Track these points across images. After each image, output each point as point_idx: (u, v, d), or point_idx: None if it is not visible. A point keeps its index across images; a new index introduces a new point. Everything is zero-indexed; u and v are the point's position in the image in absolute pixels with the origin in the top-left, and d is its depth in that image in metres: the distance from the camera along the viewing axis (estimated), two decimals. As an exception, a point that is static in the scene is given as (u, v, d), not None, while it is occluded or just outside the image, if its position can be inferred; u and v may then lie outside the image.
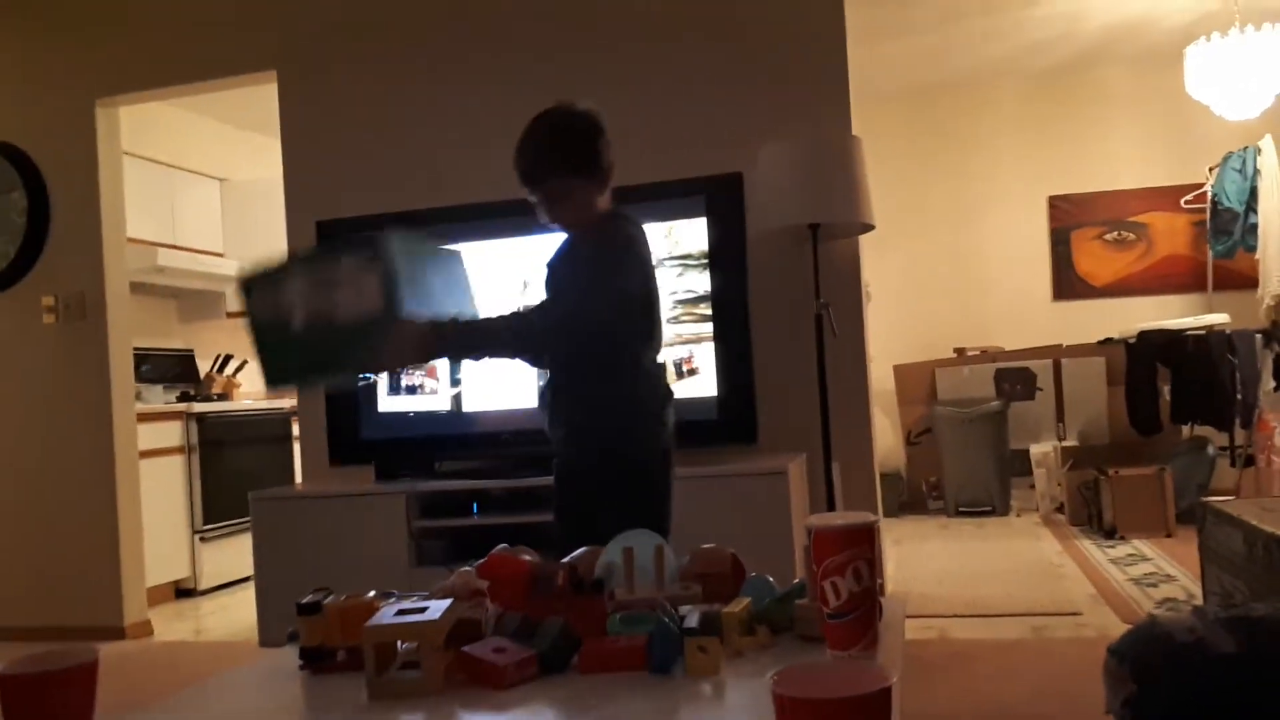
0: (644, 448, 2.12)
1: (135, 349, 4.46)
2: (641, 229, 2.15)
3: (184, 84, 4.21)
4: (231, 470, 5.12)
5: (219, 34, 4.12)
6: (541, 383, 2.26)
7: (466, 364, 3.14)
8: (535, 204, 2.14)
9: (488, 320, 2.04)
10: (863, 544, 1.25)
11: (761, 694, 0.88)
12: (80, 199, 4.22)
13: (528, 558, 1.61)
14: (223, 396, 5.61)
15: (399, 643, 1.33)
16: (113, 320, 4.20)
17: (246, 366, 5.96)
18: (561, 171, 2.09)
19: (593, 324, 2.04)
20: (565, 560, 1.62)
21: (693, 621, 1.34)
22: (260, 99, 4.36)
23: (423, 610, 1.30)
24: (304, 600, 1.41)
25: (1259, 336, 5.11)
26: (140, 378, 4.99)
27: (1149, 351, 5.35)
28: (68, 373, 4.20)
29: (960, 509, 5.69)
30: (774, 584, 1.53)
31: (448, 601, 1.35)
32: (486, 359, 2.08)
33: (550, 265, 2.17)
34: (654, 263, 2.16)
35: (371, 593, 1.46)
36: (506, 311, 2.04)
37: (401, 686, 1.27)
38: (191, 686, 1.41)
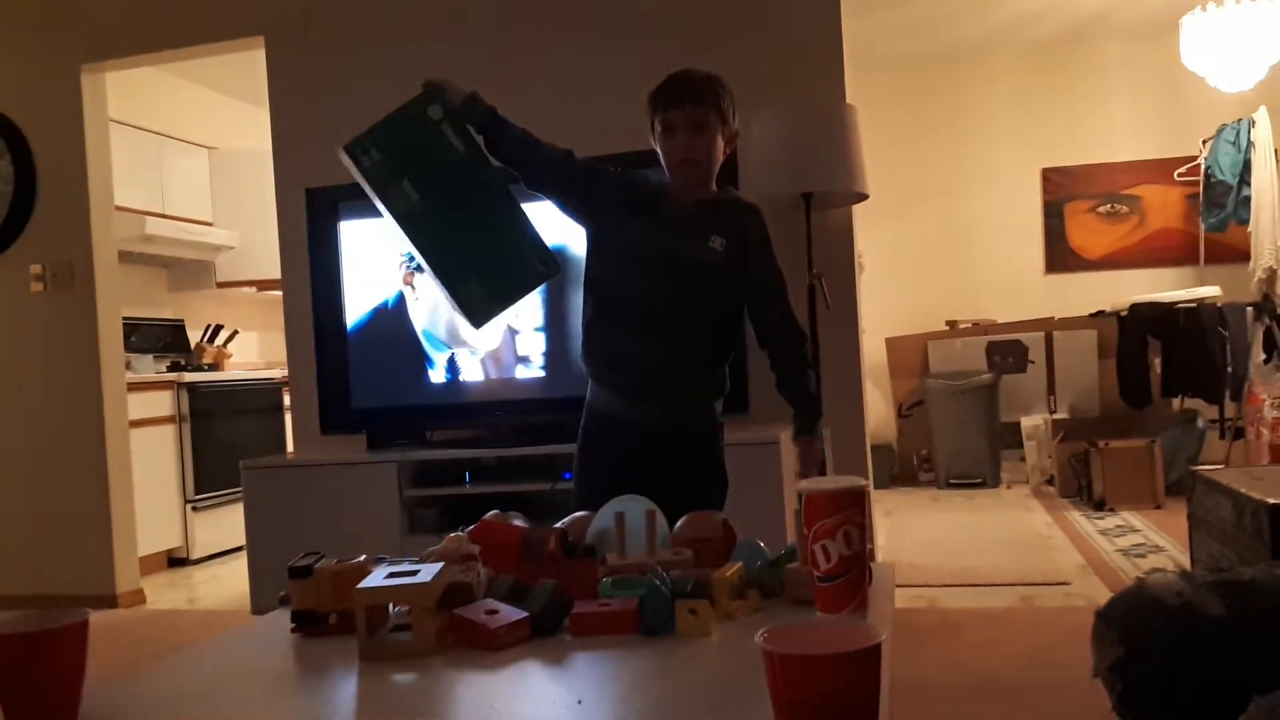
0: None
1: (125, 318, 4.44)
2: None
3: (170, 49, 4.16)
4: (223, 440, 5.11)
5: (207, -1, 4.07)
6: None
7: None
8: (669, 127, 2.06)
9: (805, 374, 2.15)
10: (853, 508, 1.26)
11: (751, 654, 0.88)
12: (67, 166, 4.18)
13: (519, 523, 1.62)
14: (213, 366, 5.59)
15: (391, 605, 1.34)
16: (101, 289, 4.17)
17: (237, 337, 5.94)
18: (720, 104, 2.08)
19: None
20: (558, 525, 1.62)
21: (683, 585, 1.35)
22: (249, 66, 4.31)
23: (414, 573, 1.30)
24: (296, 563, 1.41)
25: (1250, 309, 5.12)
26: (130, 347, 4.96)
27: (1140, 324, 5.36)
28: (56, 342, 4.18)
29: (951, 481, 5.72)
30: (765, 549, 1.53)
31: (439, 565, 1.35)
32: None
33: (749, 242, 2.14)
34: None
35: (363, 557, 1.46)
36: (796, 350, 2.15)
37: (393, 648, 1.27)
38: (183, 649, 1.41)
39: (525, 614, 1.31)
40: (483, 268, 1.91)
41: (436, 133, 1.92)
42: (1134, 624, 1.19)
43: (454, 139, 1.92)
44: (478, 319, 1.92)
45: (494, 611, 1.31)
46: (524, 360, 3.41)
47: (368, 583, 1.29)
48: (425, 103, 1.94)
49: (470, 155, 1.94)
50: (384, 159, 1.88)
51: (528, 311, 3.39)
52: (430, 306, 3.50)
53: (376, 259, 3.57)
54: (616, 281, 2.12)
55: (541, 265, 1.94)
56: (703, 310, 2.10)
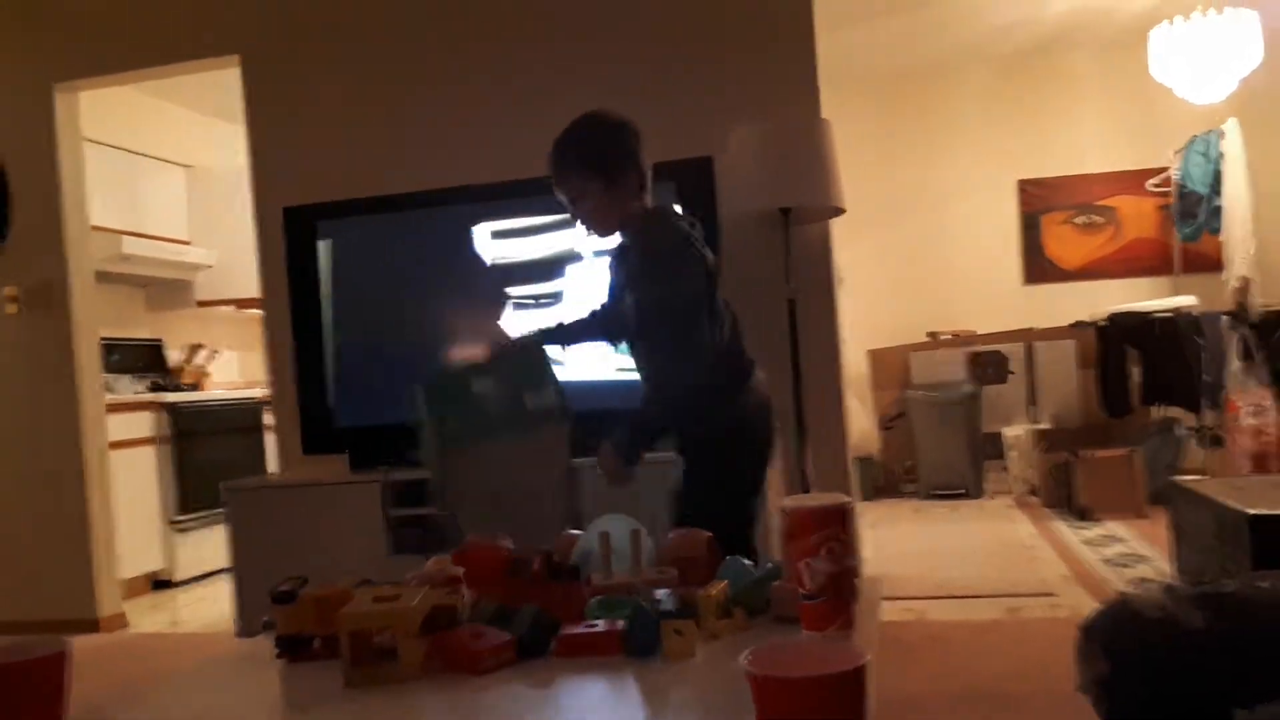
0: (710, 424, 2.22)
1: (103, 339, 4.40)
2: (687, 220, 2.26)
3: (145, 68, 4.14)
4: (206, 460, 5.07)
5: (181, 17, 4.05)
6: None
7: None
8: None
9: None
10: (836, 525, 1.26)
11: (737, 675, 0.88)
12: (41, 186, 4.14)
13: (504, 544, 1.61)
14: (193, 386, 5.55)
15: (375, 630, 1.33)
16: (78, 310, 4.13)
17: (217, 356, 5.90)
18: (578, 172, 2.17)
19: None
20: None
21: (669, 605, 1.35)
22: (225, 84, 4.30)
23: (398, 597, 1.30)
24: (279, 588, 1.40)
25: (1225, 318, 5.18)
26: (109, 368, 4.92)
27: (1118, 334, 5.41)
28: (33, 364, 4.13)
29: (934, 492, 5.73)
30: (750, 566, 1.53)
31: (423, 588, 1.34)
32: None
33: (610, 266, 2.31)
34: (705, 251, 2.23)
35: (345, 581, 1.45)
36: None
37: (378, 673, 1.26)
38: (166, 677, 1.40)
39: (510, 637, 1.31)
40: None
41: None
42: (1117, 638, 1.20)
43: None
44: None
45: (479, 635, 1.30)
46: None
47: (352, 607, 1.28)
48: None
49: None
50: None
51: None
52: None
53: (357, 277, 3.56)
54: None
55: None
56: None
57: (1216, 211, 5.67)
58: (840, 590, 1.26)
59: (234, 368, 6.32)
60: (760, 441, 2.30)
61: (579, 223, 2.22)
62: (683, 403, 2.17)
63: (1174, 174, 5.97)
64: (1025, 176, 6.48)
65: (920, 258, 6.58)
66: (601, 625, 1.33)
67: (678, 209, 2.45)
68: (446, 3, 3.83)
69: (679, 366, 2.14)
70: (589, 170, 2.16)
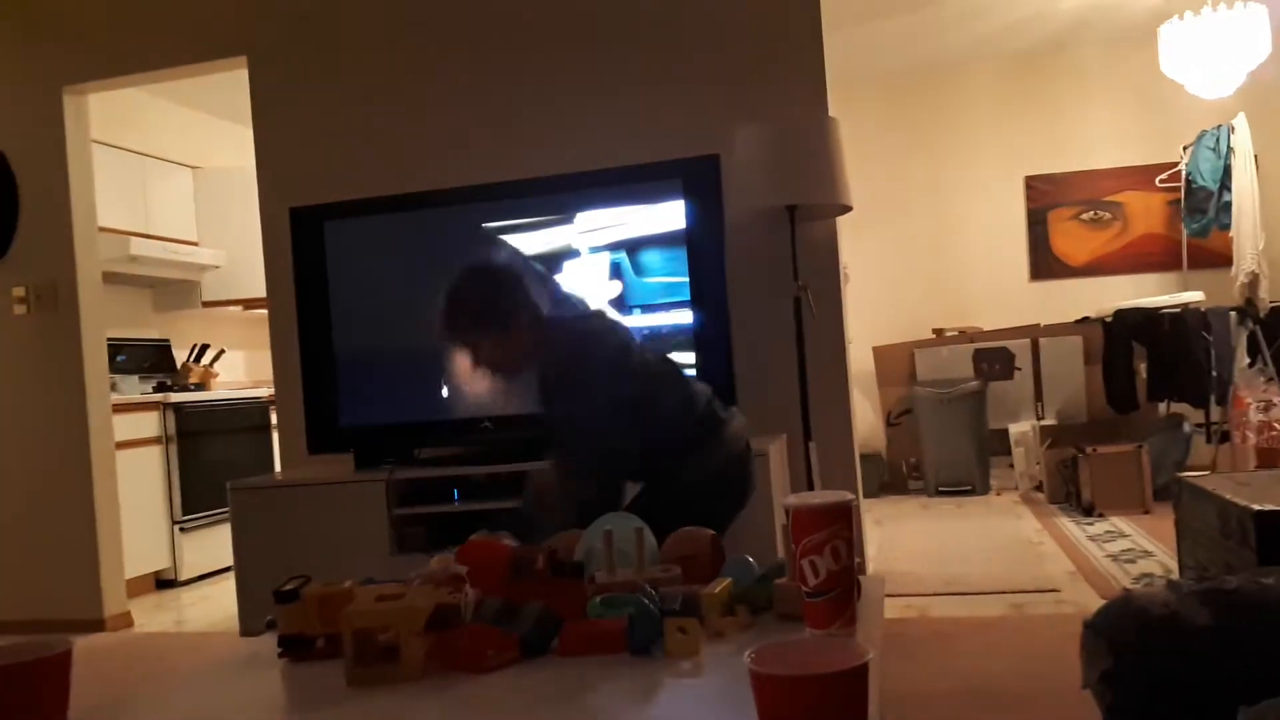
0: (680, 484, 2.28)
1: (110, 339, 4.41)
2: (580, 314, 2.35)
3: (153, 70, 4.15)
4: (210, 460, 5.08)
5: (188, 19, 4.06)
6: None
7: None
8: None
9: None
10: (840, 523, 1.26)
11: (740, 673, 0.88)
12: (50, 188, 4.16)
13: (507, 542, 1.61)
14: (200, 386, 5.56)
15: (378, 629, 1.33)
16: (85, 310, 4.15)
17: (224, 356, 5.92)
18: (472, 329, 2.27)
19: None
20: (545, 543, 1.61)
21: (672, 603, 1.34)
22: (232, 85, 4.31)
23: (402, 596, 1.30)
24: (282, 588, 1.40)
25: (1233, 314, 5.16)
26: (116, 368, 4.94)
27: (1125, 330, 5.39)
28: (40, 364, 4.15)
29: (940, 489, 5.73)
30: (754, 565, 1.53)
31: (427, 587, 1.34)
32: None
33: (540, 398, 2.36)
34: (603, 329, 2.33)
35: (349, 582, 1.45)
36: None
37: (381, 673, 1.26)
38: (169, 677, 1.40)
39: (513, 636, 1.31)
40: None
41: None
42: (1122, 635, 1.20)
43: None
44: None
45: (482, 634, 1.30)
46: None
47: (355, 606, 1.28)
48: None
49: None
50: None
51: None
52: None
53: (362, 277, 3.56)
54: None
55: None
56: None
57: (1226, 207, 5.65)
58: (844, 588, 1.26)
59: (240, 368, 6.34)
60: (733, 492, 2.36)
61: (480, 371, 2.30)
62: (655, 474, 2.24)
63: (1183, 169, 5.94)
64: (1033, 173, 6.46)
65: (926, 254, 6.57)
66: (605, 624, 1.33)
67: (586, 299, 2.48)
68: (453, 3, 3.84)
69: (639, 441, 2.21)
70: (482, 324, 2.25)
